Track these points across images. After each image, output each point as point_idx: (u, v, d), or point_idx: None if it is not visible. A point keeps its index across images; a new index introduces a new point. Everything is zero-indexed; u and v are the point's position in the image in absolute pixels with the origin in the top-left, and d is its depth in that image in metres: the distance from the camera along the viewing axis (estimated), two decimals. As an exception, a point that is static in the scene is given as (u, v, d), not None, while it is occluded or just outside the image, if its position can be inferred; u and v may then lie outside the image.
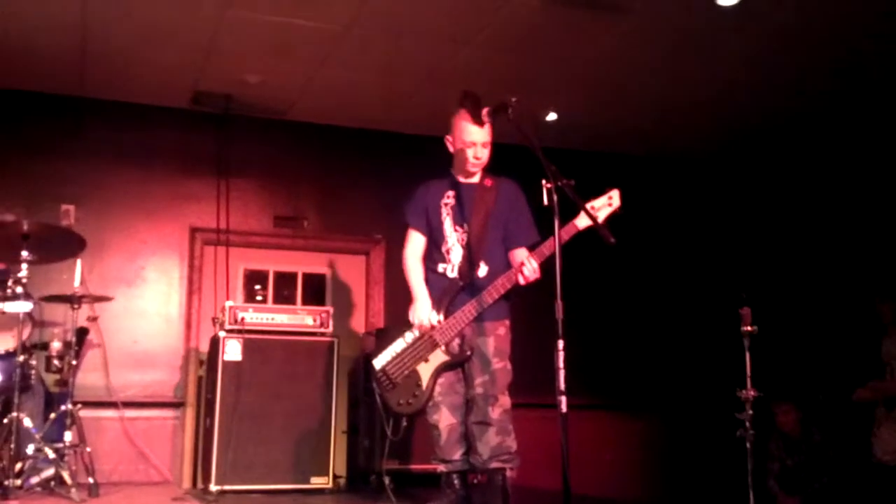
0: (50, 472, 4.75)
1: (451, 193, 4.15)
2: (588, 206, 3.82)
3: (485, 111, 3.95)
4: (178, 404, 6.24)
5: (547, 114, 6.66)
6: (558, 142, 6.60)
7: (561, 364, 3.19)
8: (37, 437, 4.65)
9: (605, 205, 3.96)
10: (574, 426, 3.18)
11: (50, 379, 5.30)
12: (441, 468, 4.09)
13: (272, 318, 5.57)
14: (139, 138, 6.46)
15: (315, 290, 6.91)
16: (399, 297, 4.84)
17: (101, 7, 5.10)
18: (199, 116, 6.57)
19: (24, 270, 4.64)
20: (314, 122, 6.85)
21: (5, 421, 4.49)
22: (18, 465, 4.58)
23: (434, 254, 4.14)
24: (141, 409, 6.10)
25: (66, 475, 4.68)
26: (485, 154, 4.09)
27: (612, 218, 3.95)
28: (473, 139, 4.06)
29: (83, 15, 5.18)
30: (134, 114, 6.45)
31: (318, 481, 5.39)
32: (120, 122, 6.42)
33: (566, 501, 3.18)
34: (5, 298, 4.69)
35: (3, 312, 4.71)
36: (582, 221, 3.83)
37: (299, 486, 5.34)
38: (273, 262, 6.86)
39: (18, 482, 4.53)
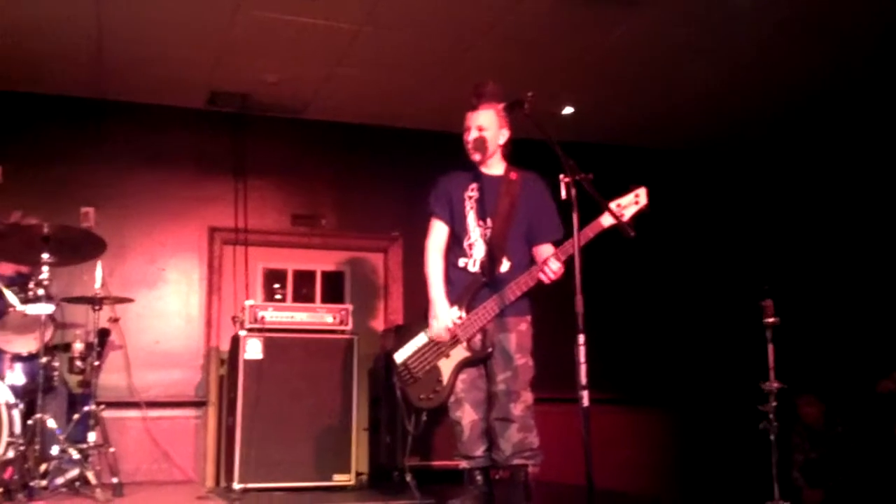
0: (74, 472, 4.78)
1: (474, 186, 4.11)
2: (614, 204, 3.79)
3: (501, 106, 3.98)
4: (200, 403, 6.27)
5: (563, 108, 6.64)
6: (575, 136, 6.57)
7: (582, 358, 3.18)
8: (61, 437, 4.69)
9: (631, 203, 3.89)
10: (595, 421, 3.17)
11: (73, 380, 5.33)
12: (463, 464, 4.08)
13: (292, 317, 5.58)
14: (156, 139, 6.49)
15: (334, 288, 6.93)
16: (418, 293, 4.84)
17: (116, 9, 5.13)
18: (215, 116, 6.60)
19: (45, 273, 4.67)
20: (331, 120, 6.86)
21: (30, 422, 4.52)
22: (43, 466, 4.61)
23: (456, 248, 4.11)
24: (163, 408, 6.14)
25: (90, 475, 4.72)
26: (478, 138, 4.06)
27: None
28: (468, 123, 4.09)
29: (98, 17, 5.21)
30: (151, 115, 6.48)
31: (340, 478, 5.39)
32: (137, 124, 6.45)
33: (590, 496, 3.17)
34: (27, 300, 4.74)
35: (26, 315, 4.75)
36: (607, 220, 3.79)
37: (322, 483, 5.34)
38: (292, 261, 6.87)
39: (44, 483, 4.55)
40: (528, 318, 4.07)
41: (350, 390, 5.51)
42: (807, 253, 7.39)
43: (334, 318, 5.65)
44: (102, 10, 5.12)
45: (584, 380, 3.16)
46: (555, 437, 4.44)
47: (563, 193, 3.34)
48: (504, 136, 4.12)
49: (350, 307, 5.76)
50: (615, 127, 7.06)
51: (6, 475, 4.35)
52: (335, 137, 6.92)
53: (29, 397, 4.74)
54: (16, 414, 4.54)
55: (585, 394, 3.16)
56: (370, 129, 6.96)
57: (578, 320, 3.18)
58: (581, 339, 3.17)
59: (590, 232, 3.79)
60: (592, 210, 3.67)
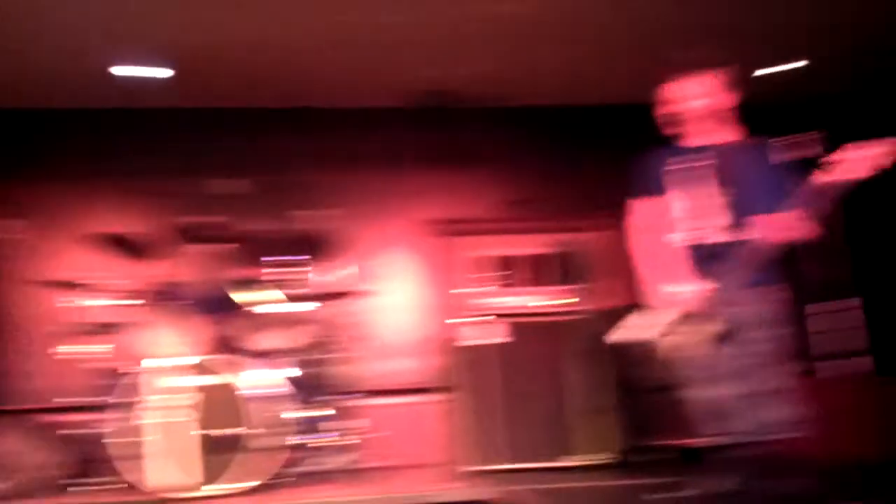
0: (326, 460, 5.10)
1: (691, 157, 3.94)
2: (855, 154, 3.50)
3: (706, 73, 3.80)
4: (434, 390, 6.41)
5: (791, 62, 6.23)
6: (807, 89, 6.16)
7: (819, 328, 2.98)
8: (311, 427, 5.02)
9: (878, 153, 3.56)
10: (844, 392, 2.97)
11: (319, 373, 5.65)
12: (710, 442, 3.92)
13: (519, 301, 5.65)
14: (369, 140, 6.80)
15: (557, 271, 6.88)
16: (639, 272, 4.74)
17: (320, 20, 5.39)
18: (422, 113, 6.79)
19: (287, 273, 5.02)
20: (533, 105, 6.91)
21: (285, 416, 4.87)
22: (296, 455, 4.97)
23: (681, 223, 3.94)
24: (401, 396, 6.39)
25: (340, 462, 5.04)
26: (683, 109, 3.87)
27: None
28: (670, 94, 3.91)
29: (305, 31, 5.51)
30: (360, 118, 6.81)
31: (581, 459, 5.39)
32: (351, 128, 6.79)
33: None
34: (277, 300, 5.11)
35: (270, 313, 5.11)
36: (844, 174, 3.49)
37: (562, 464, 5.36)
38: (510, 247, 6.90)
39: (298, 470, 4.92)
40: (777, 286, 3.82)
41: (581, 371, 5.51)
42: None
43: (562, 300, 5.66)
44: (305, 23, 5.40)
45: (822, 350, 2.97)
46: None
47: (782, 155, 3.15)
48: (713, 103, 3.91)
49: (576, 288, 5.74)
50: (856, 76, 6.52)
51: (271, 464, 4.73)
52: (539, 122, 6.97)
53: (283, 391, 5.10)
54: (274, 406, 4.90)
55: (828, 365, 2.97)
56: (573, 110, 6.95)
57: (812, 290, 2.99)
58: (813, 308, 2.97)
59: (828, 193, 3.50)
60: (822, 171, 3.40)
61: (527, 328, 5.56)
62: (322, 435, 5.06)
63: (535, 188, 6.87)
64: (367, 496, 4.48)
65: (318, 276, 5.66)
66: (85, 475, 5.02)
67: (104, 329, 5.31)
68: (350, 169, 6.75)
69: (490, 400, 5.41)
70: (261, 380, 4.97)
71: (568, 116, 6.98)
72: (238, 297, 5.31)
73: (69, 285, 5.38)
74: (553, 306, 5.64)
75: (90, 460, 5.00)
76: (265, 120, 6.77)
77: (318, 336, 5.54)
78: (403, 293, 6.68)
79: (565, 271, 6.88)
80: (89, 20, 5.31)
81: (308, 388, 5.23)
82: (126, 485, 4.74)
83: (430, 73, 6.28)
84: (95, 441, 4.90)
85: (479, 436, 5.39)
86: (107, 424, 4.86)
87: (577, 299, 5.68)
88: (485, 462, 5.33)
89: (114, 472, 4.77)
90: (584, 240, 6.92)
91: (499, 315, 5.57)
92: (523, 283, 6.75)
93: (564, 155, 6.92)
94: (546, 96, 6.80)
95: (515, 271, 6.88)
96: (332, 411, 5.25)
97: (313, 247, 5.34)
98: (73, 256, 5.98)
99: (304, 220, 5.79)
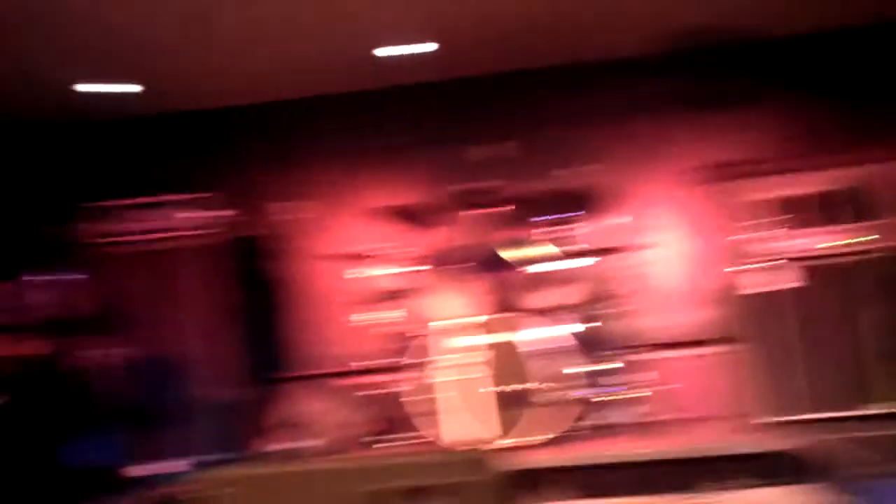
0: (616, 413, 5.17)
1: None
2: None
3: None
4: (721, 340, 6.22)
5: None
6: None
7: None
8: (598, 382, 5.08)
9: None
10: None
11: (601, 328, 5.67)
12: None
13: (805, 244, 5.36)
14: (634, 91, 6.63)
15: (844, 209, 6.45)
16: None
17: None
18: (682, 57, 6.60)
19: (559, 231, 5.11)
20: (798, 34, 6.49)
21: (572, 371, 4.95)
22: (586, 409, 5.06)
23: None
24: (686, 348, 6.23)
25: (631, 416, 5.08)
26: None
27: None
28: None
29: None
30: (622, 69, 6.68)
31: (881, 406, 5.06)
32: (611, 80, 6.68)
33: None
34: (553, 258, 5.20)
35: (548, 272, 5.21)
36: None
37: (857, 412, 5.06)
38: (791, 187, 6.53)
39: (589, 424, 5.06)
40: None
41: (881, 314, 5.12)
42: None
43: (854, 239, 5.29)
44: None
45: None
46: None
47: None
48: None
49: (870, 225, 5.35)
50: None
51: (562, 418, 4.86)
52: (808, 50, 6.56)
53: (565, 348, 5.19)
54: (560, 361, 5.01)
55: None
56: (847, 32, 6.47)
57: None
58: None
59: None
60: None
61: (818, 271, 5.25)
62: (610, 389, 5.11)
63: (813, 122, 6.46)
64: (665, 448, 4.46)
65: (590, 231, 5.68)
66: (387, 432, 5.37)
67: (392, 296, 5.65)
68: (617, 121, 6.67)
69: (782, 348, 5.18)
70: (544, 336, 5.08)
71: (841, 40, 6.49)
72: (514, 256, 5.45)
73: (357, 257, 5.78)
74: (845, 246, 5.28)
75: (391, 418, 5.35)
76: (526, 82, 6.85)
77: (595, 292, 5.57)
78: (680, 243, 6.52)
79: (856, 208, 6.43)
80: (352, 7, 5.57)
81: (591, 343, 5.28)
82: (425, 440, 5.02)
83: (686, 15, 6.06)
84: (394, 400, 5.24)
85: (772, 386, 5.18)
86: (403, 384, 5.17)
87: (872, 237, 5.28)
88: (779, 413, 5.12)
89: (413, 428, 5.08)
90: (875, 173, 6.42)
91: (787, 259, 5.30)
92: (810, 224, 6.38)
93: (842, 83, 6.44)
94: (813, 23, 6.36)
95: (801, 212, 6.51)
96: (618, 365, 5.28)
97: (584, 203, 5.37)
98: (357, 230, 6.40)
99: (573, 176, 5.84)
